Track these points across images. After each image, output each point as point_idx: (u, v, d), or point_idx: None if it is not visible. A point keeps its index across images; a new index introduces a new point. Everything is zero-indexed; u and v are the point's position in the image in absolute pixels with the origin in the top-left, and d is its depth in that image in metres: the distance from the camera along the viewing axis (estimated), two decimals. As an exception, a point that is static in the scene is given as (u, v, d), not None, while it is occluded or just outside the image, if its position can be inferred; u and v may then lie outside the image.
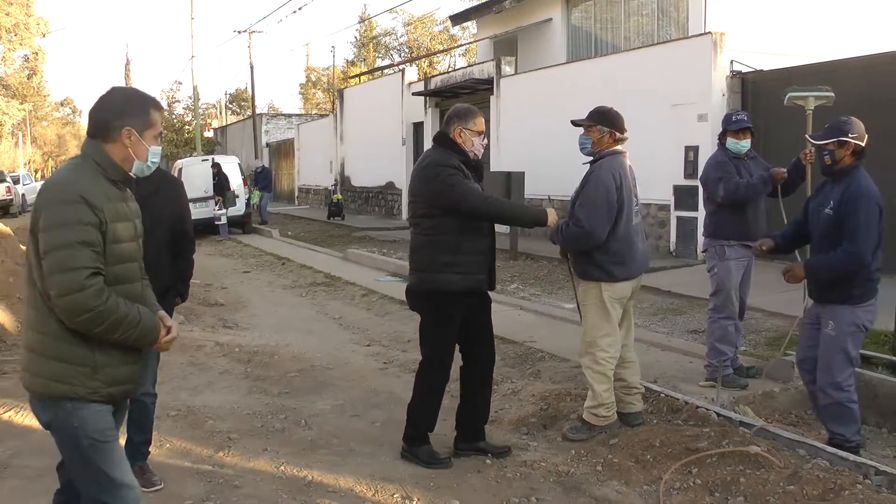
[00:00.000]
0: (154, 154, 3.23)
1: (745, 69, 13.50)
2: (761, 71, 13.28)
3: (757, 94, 13.06)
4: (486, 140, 5.22)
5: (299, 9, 41.42)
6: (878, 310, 5.11)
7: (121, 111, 3.14)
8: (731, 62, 13.48)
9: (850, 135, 4.94)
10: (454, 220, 4.95)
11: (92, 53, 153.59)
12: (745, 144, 6.62)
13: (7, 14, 39.04)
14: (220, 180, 21.17)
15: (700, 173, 7.02)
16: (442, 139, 5.13)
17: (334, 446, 5.59)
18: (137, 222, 3.25)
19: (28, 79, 53.13)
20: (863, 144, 4.99)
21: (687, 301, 10.18)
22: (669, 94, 14.04)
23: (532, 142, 16.93)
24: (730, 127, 6.64)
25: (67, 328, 3.00)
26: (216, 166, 21.76)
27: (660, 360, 7.34)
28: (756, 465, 4.69)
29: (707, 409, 5.56)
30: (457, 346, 5.29)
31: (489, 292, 5.34)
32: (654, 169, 13.84)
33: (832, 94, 6.41)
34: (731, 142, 6.60)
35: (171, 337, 3.23)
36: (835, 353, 5.04)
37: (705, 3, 15.50)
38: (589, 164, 5.47)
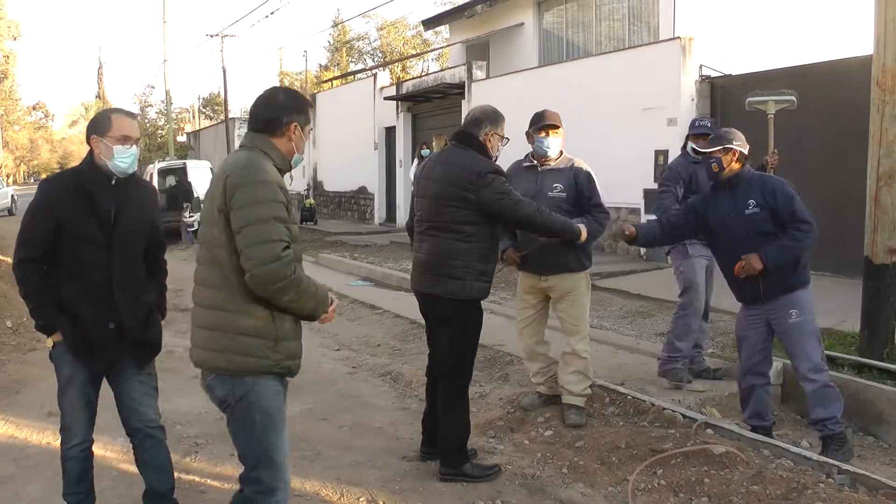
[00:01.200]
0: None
1: (714, 73, 13.60)
2: (730, 75, 13.39)
3: (726, 99, 13.15)
4: (506, 144, 5.22)
5: (271, 13, 41.31)
6: None
7: (287, 108, 3.45)
8: (701, 67, 13.57)
9: (733, 142, 5.20)
10: (492, 228, 4.92)
11: (64, 57, 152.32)
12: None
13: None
14: (183, 185, 20.92)
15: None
16: (472, 141, 4.98)
17: (302, 450, 5.55)
18: None
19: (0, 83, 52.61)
20: (746, 151, 5.26)
21: (656, 304, 10.23)
22: (639, 99, 14.11)
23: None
24: (690, 131, 6.68)
25: (252, 304, 3.25)
26: (180, 171, 21.47)
27: (627, 362, 7.37)
28: (720, 466, 4.73)
29: (673, 411, 5.59)
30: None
31: None
32: (624, 172, 13.92)
33: (794, 98, 6.46)
34: (691, 146, 6.58)
35: (335, 306, 3.52)
36: (808, 337, 5.18)
37: (674, 8, 15.58)
38: (552, 165, 5.74)
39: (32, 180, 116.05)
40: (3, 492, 4.92)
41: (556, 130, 5.71)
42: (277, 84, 63.92)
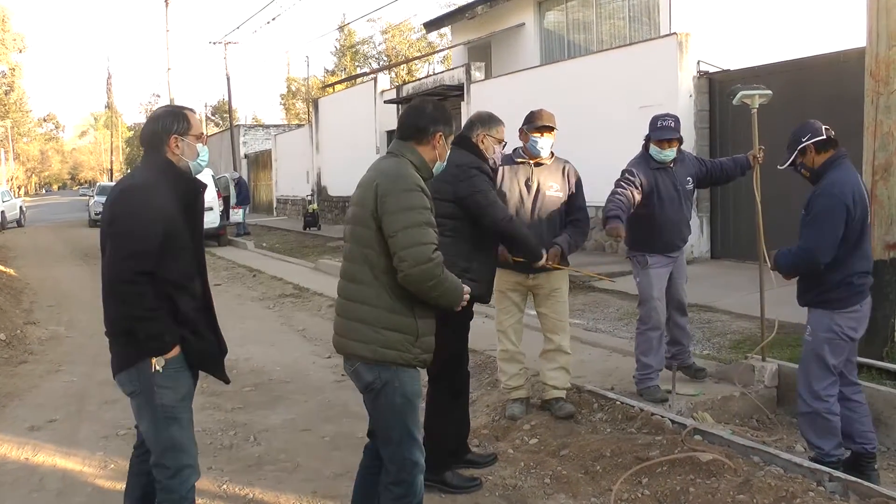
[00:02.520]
0: None
1: (712, 69, 13.43)
2: (728, 71, 13.22)
3: (725, 94, 12.96)
4: (504, 147, 5.21)
5: (273, 19, 41.33)
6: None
7: (434, 118, 3.75)
8: (698, 62, 13.41)
9: (802, 139, 4.86)
10: (472, 227, 4.86)
11: (73, 69, 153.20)
12: (668, 154, 6.06)
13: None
14: None
15: None
16: (464, 142, 4.99)
17: (281, 462, 5.47)
18: None
19: (6, 95, 52.80)
20: (822, 136, 4.83)
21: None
22: (637, 96, 13.93)
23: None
24: (653, 135, 6.13)
25: (398, 301, 3.54)
26: None
27: (619, 366, 7.13)
28: (707, 474, 4.56)
29: (662, 417, 5.41)
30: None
31: None
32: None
33: (770, 92, 6.27)
34: (654, 149, 6.11)
35: (468, 292, 3.75)
36: (811, 359, 4.87)
37: (670, 4, 15.43)
38: (545, 164, 5.72)
39: (44, 191, 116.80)
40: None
41: (552, 132, 5.67)
42: (285, 90, 64.08)
